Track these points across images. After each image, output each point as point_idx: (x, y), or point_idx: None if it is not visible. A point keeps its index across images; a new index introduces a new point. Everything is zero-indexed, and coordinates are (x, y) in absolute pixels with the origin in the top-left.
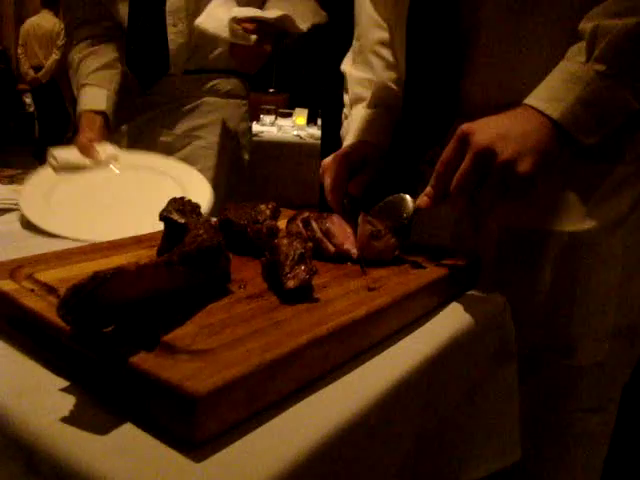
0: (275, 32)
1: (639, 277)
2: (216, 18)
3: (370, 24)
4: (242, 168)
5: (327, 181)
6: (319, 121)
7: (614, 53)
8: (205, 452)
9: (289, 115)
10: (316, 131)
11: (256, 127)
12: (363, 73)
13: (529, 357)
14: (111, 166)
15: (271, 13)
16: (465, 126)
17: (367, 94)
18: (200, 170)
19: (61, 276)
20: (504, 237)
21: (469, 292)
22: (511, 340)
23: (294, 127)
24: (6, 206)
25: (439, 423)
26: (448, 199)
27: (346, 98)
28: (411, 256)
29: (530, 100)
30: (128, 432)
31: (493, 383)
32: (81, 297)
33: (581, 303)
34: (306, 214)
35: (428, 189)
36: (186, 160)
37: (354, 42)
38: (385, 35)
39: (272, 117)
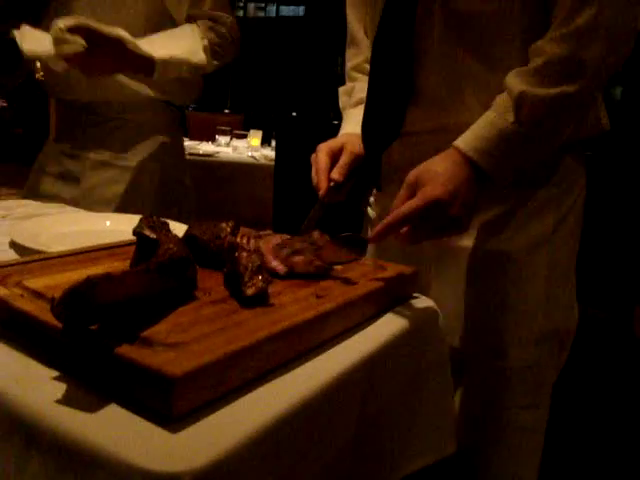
0: (119, 52)
1: (562, 290)
2: (37, 39)
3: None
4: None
5: (314, 168)
6: (273, 143)
7: (535, 120)
8: (180, 426)
9: (244, 136)
10: (270, 152)
11: (212, 147)
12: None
13: (464, 359)
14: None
15: (108, 27)
16: (412, 175)
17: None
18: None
19: (47, 283)
20: (439, 255)
21: (407, 301)
22: (443, 344)
23: (249, 148)
24: None
25: (379, 415)
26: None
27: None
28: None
29: (463, 146)
30: (114, 411)
31: (429, 381)
32: (76, 296)
33: (508, 313)
34: (254, 234)
35: (378, 227)
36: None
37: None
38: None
39: (227, 138)
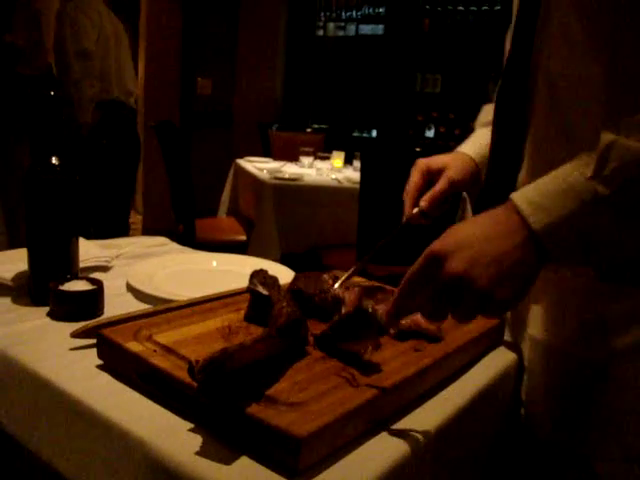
0: None
1: None
2: None
3: None
4: None
5: (407, 186)
6: (354, 163)
7: (623, 180)
8: (306, 477)
9: (327, 158)
10: (352, 173)
11: (296, 169)
12: None
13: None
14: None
15: None
16: (436, 247)
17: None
18: None
19: (175, 338)
20: (533, 352)
21: (493, 352)
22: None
23: (332, 170)
24: (98, 263)
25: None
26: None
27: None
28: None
29: (517, 198)
30: (245, 463)
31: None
32: (215, 366)
33: (596, 426)
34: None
35: (389, 307)
36: None
37: None
38: None
39: (310, 159)
